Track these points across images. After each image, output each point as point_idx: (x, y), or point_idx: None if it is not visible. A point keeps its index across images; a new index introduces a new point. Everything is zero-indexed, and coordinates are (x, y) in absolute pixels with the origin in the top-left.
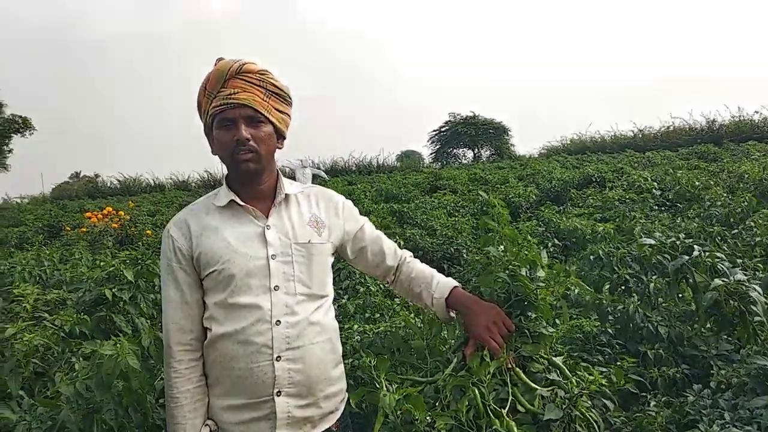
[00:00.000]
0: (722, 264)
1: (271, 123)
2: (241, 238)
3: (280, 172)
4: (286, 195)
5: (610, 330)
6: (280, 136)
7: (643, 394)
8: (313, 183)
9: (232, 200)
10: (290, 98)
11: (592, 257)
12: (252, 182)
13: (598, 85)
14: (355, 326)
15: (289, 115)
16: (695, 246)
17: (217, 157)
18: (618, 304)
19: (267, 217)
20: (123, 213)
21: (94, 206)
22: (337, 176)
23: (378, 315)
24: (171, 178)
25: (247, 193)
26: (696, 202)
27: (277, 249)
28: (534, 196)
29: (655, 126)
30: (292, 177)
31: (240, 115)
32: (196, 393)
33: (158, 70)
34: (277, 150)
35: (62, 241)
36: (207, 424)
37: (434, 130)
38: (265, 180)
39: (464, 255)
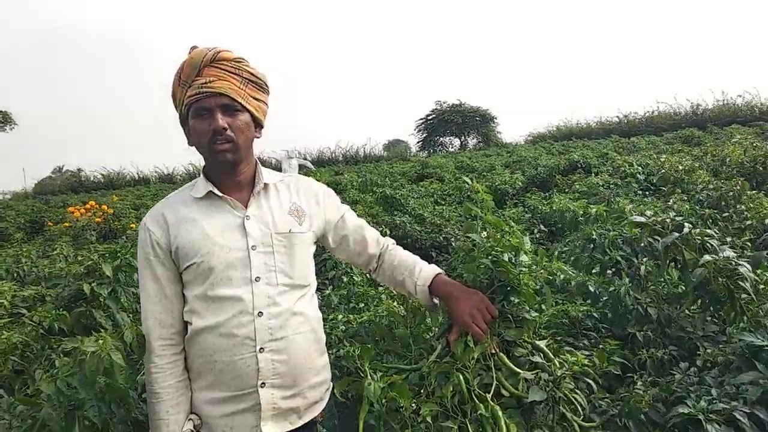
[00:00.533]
0: (712, 241)
1: (249, 111)
2: (220, 230)
3: (258, 161)
4: (266, 184)
5: (596, 314)
6: (258, 124)
7: (629, 375)
8: (299, 174)
9: (210, 191)
10: (267, 86)
11: (583, 239)
12: (230, 172)
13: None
14: (340, 316)
15: (267, 104)
16: (685, 224)
17: (193, 147)
18: (609, 286)
19: (246, 207)
20: (106, 207)
21: (77, 201)
22: (324, 166)
23: (362, 305)
24: (156, 172)
25: (225, 184)
26: (679, 185)
27: (258, 239)
28: (520, 183)
29: (640, 112)
30: (278, 168)
31: (216, 104)
32: (178, 387)
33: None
34: (255, 139)
35: (45, 236)
36: (190, 419)
37: (421, 119)
38: (243, 170)
39: (452, 243)
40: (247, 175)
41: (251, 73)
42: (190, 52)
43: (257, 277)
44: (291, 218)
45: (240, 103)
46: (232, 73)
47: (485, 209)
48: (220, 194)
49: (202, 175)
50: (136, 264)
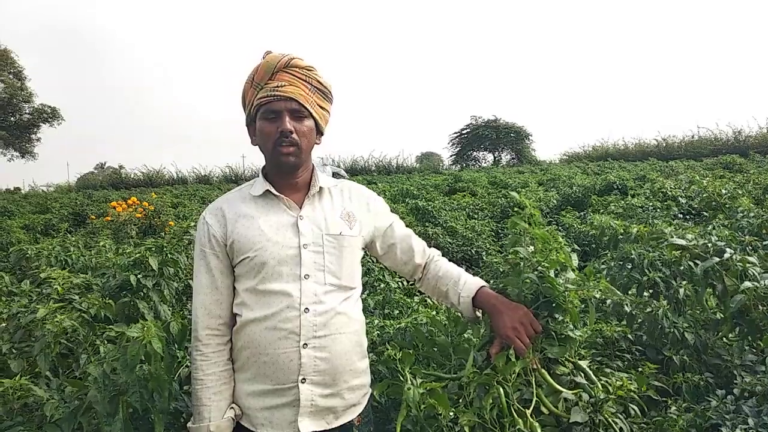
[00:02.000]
0: (754, 269)
1: (313, 118)
2: (274, 227)
3: (315, 166)
4: (320, 188)
5: (630, 336)
6: (319, 132)
7: (664, 399)
8: None
9: (268, 190)
10: (332, 95)
11: (621, 258)
12: (289, 175)
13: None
14: (375, 321)
15: (329, 112)
16: (726, 249)
17: (250, 152)
18: (646, 306)
19: (300, 207)
20: (147, 203)
21: (118, 196)
22: (357, 175)
23: (397, 312)
24: (193, 172)
25: (282, 185)
26: (721, 211)
27: (309, 239)
28: (554, 201)
29: (679, 135)
30: None
31: (285, 108)
32: (222, 376)
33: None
34: (315, 145)
35: (87, 229)
36: (232, 407)
37: (455, 133)
38: (301, 173)
39: (483, 257)
40: (304, 179)
41: (319, 82)
42: (264, 57)
43: (306, 275)
44: (342, 221)
45: (307, 109)
46: (302, 79)
47: (534, 224)
48: (277, 194)
49: (261, 175)
50: (179, 259)
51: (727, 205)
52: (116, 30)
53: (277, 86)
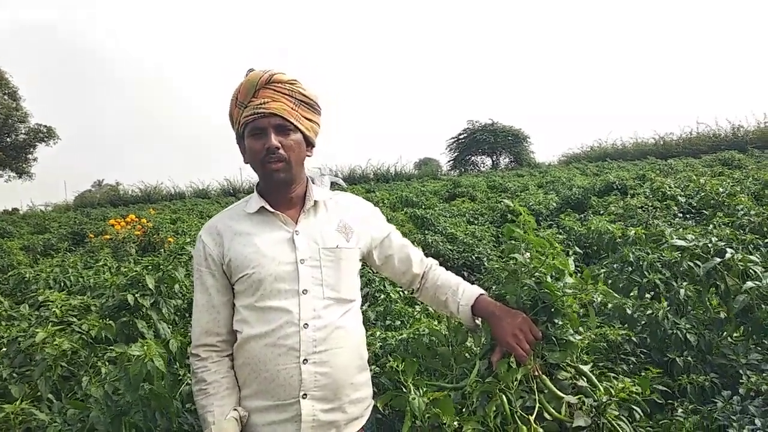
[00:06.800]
0: (755, 268)
1: (300, 131)
2: (270, 244)
3: (309, 179)
4: (315, 201)
5: (634, 339)
6: (309, 144)
7: (669, 402)
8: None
9: (262, 207)
10: (319, 107)
11: (621, 261)
12: (283, 190)
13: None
14: (378, 333)
15: (318, 124)
16: (727, 249)
17: (248, 165)
18: (647, 309)
19: (296, 223)
20: (146, 221)
21: (116, 214)
22: (356, 184)
23: (399, 322)
24: (191, 187)
25: (277, 201)
26: (721, 209)
27: (306, 253)
28: (554, 204)
29: (677, 133)
30: None
31: (270, 124)
32: (224, 383)
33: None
34: (307, 157)
35: (86, 248)
36: (236, 409)
37: (452, 138)
38: (294, 188)
39: (485, 263)
40: (299, 193)
41: (303, 95)
42: (246, 75)
43: (305, 290)
44: (339, 234)
45: (292, 123)
46: (286, 94)
47: (528, 230)
48: (272, 210)
49: (255, 192)
50: (178, 276)
51: (725, 203)
52: (112, 40)
53: (261, 103)
